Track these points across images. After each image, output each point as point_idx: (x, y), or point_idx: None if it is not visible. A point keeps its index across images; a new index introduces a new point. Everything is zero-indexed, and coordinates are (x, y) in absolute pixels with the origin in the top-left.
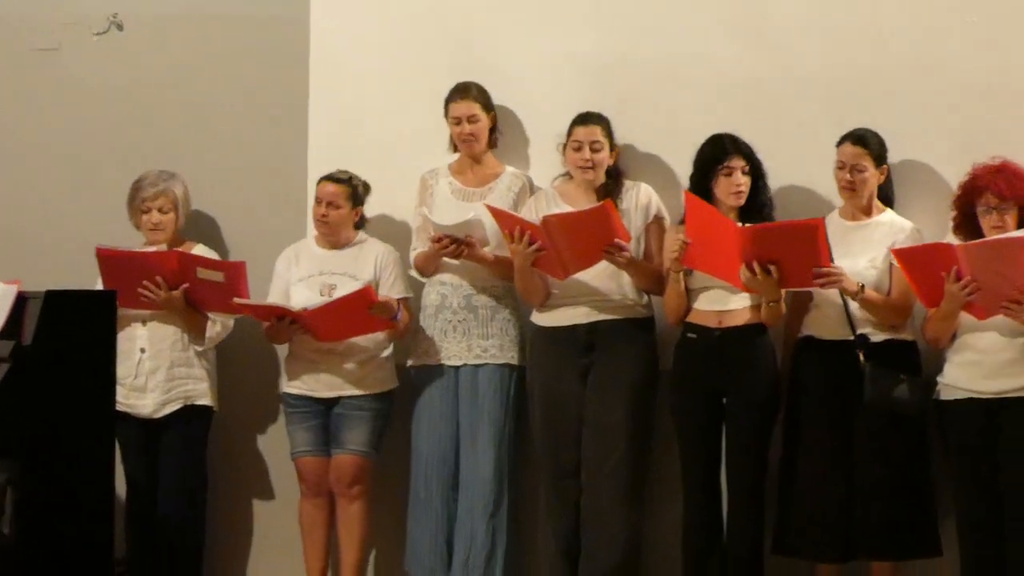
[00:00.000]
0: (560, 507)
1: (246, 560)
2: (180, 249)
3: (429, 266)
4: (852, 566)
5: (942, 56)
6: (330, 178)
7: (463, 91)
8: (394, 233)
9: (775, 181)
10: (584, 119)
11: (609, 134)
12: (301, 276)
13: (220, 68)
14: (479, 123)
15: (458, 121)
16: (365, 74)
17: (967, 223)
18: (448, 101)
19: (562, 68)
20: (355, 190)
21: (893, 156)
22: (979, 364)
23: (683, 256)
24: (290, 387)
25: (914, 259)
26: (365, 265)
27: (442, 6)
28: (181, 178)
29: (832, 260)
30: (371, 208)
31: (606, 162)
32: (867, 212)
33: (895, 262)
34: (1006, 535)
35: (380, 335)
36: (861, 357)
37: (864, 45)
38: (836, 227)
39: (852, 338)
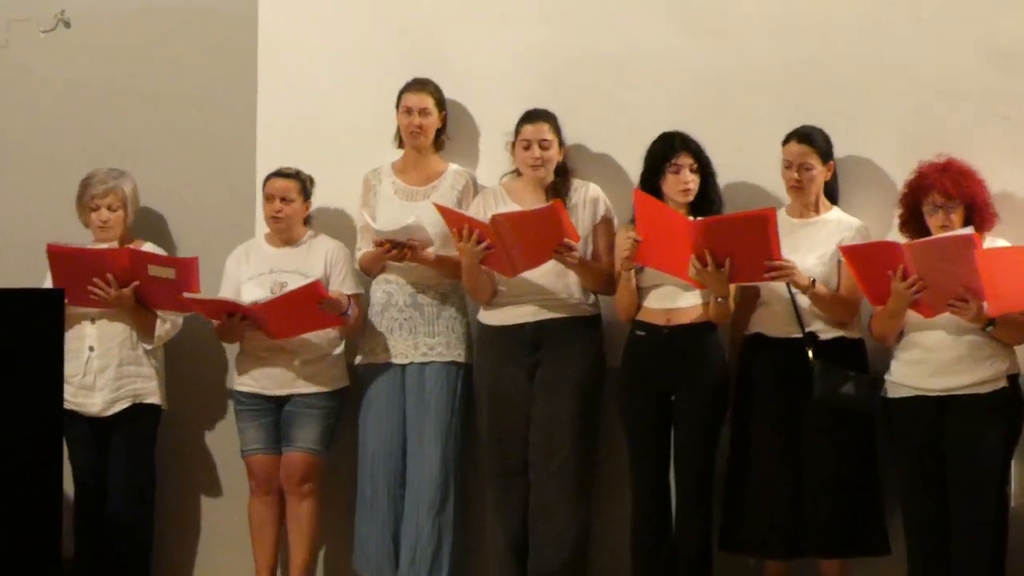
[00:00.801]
0: (507, 505)
1: (194, 558)
2: (130, 247)
3: (374, 267)
4: (800, 563)
5: (889, 53)
6: (279, 174)
7: (420, 84)
8: (344, 229)
9: (724, 178)
10: (532, 116)
11: (557, 131)
12: (251, 275)
13: (168, 65)
14: (430, 117)
15: (409, 111)
16: (314, 70)
17: (913, 221)
18: (402, 91)
19: (513, 64)
20: (304, 184)
21: (839, 152)
22: (926, 362)
23: (634, 254)
24: (241, 385)
25: (861, 256)
26: (315, 262)
27: (392, 1)
28: (130, 176)
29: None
30: (322, 204)
31: (555, 160)
32: (814, 209)
33: (843, 259)
34: (952, 532)
35: (332, 332)
36: (810, 354)
37: (813, 42)
38: (784, 225)
39: (801, 335)
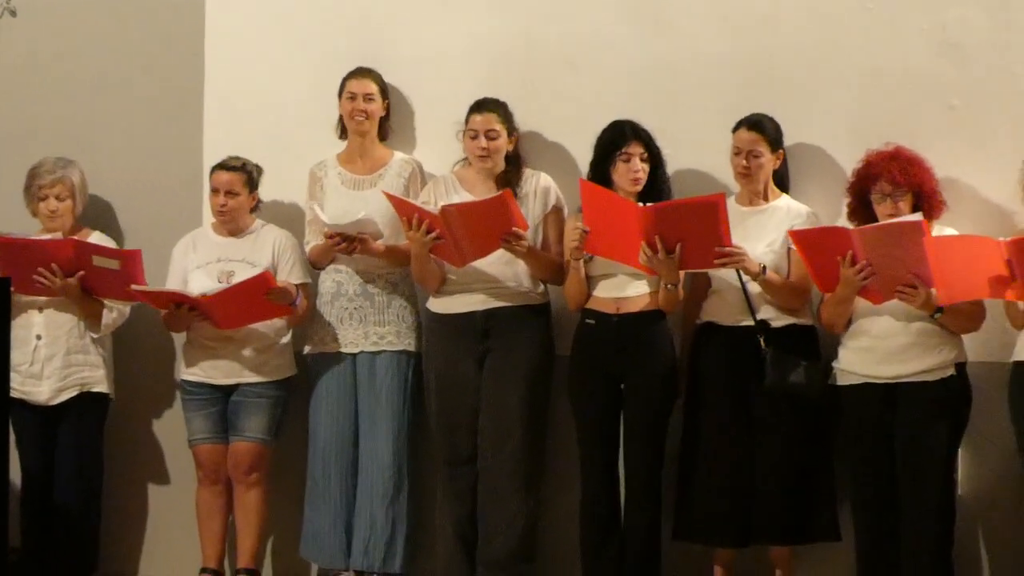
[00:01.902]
0: (456, 493)
1: (142, 547)
2: (77, 236)
3: (324, 259)
4: (750, 550)
5: (837, 42)
6: (223, 166)
7: (364, 71)
8: (292, 218)
9: (673, 166)
10: (480, 106)
11: (507, 120)
12: (199, 263)
13: (115, 53)
14: (374, 103)
15: (353, 97)
16: (261, 59)
17: (861, 209)
18: (345, 79)
19: (462, 53)
20: (250, 175)
21: (788, 140)
22: (873, 349)
23: (583, 244)
24: (188, 374)
25: (810, 242)
26: (263, 251)
27: None
28: (78, 165)
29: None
30: (269, 194)
31: (504, 149)
32: (763, 197)
33: (792, 245)
34: (900, 518)
35: (279, 321)
36: (762, 342)
37: (761, 30)
38: (733, 213)
39: (752, 323)
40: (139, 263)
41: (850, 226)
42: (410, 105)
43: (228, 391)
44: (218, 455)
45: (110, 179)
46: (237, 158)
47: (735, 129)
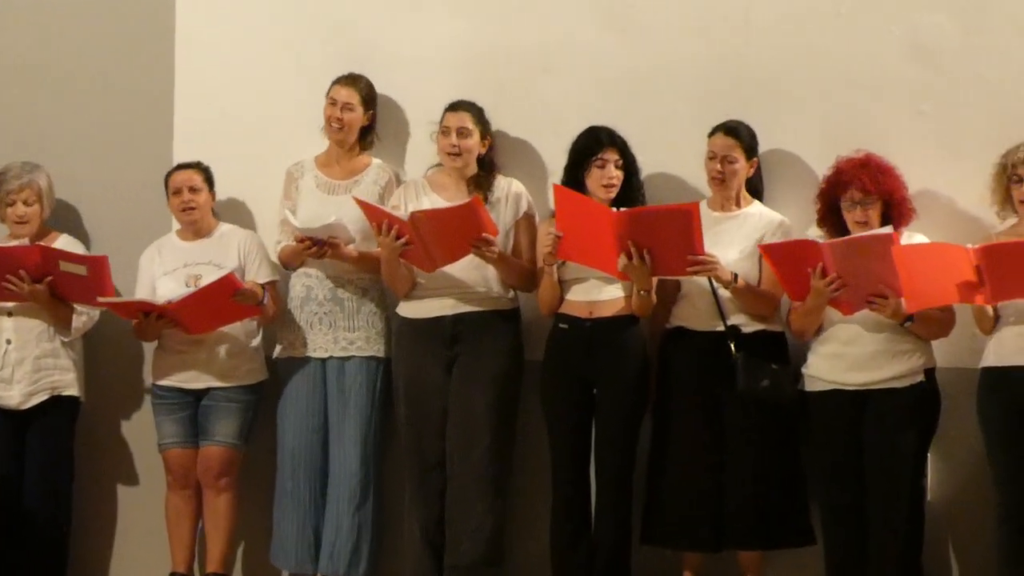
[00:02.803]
0: (425, 498)
1: (111, 551)
2: (45, 240)
3: (294, 261)
4: (720, 555)
5: (810, 47)
6: (181, 167)
7: (352, 79)
8: (264, 222)
9: (646, 171)
10: (454, 106)
11: (480, 121)
12: (166, 270)
13: (82, 55)
14: (352, 113)
15: (334, 103)
16: (233, 61)
17: (831, 216)
18: (333, 83)
19: (436, 57)
20: (207, 173)
21: (762, 146)
22: (843, 356)
23: (556, 249)
24: (159, 379)
25: (781, 254)
26: (228, 253)
27: None
28: (45, 169)
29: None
30: (239, 196)
31: (476, 149)
32: (736, 203)
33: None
34: (869, 524)
35: (250, 325)
36: (732, 348)
37: (734, 36)
38: (705, 218)
39: (723, 329)
40: (106, 268)
41: (820, 232)
42: (383, 110)
43: (199, 395)
44: (188, 460)
45: (76, 182)
46: (191, 160)
47: (711, 134)
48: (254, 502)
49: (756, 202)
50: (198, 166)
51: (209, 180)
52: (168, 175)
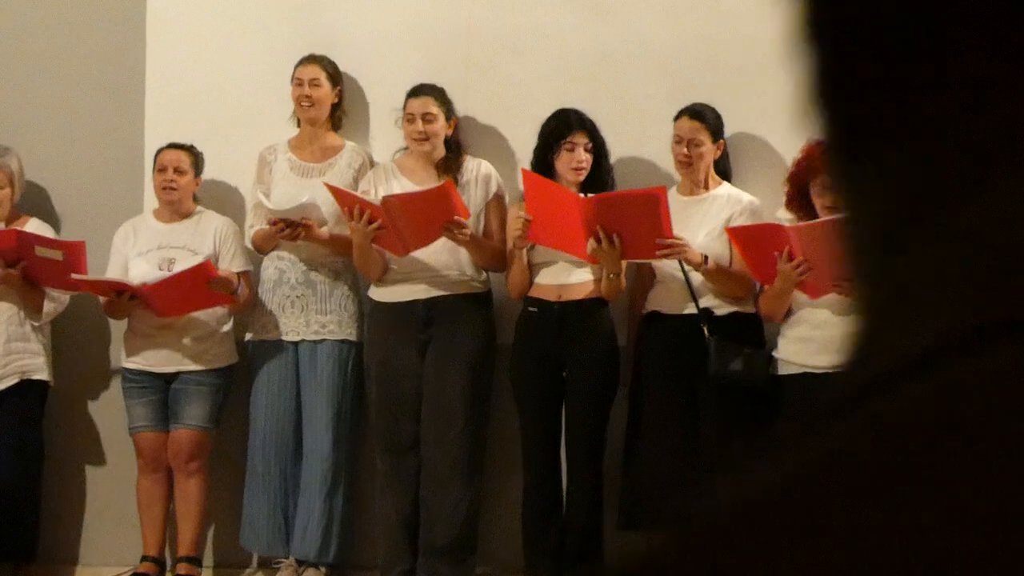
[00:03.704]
0: (398, 482)
1: (81, 535)
2: (16, 224)
3: (267, 245)
4: None
5: (778, 29)
6: (172, 145)
7: (314, 57)
8: (236, 204)
9: (616, 154)
10: (417, 91)
11: (444, 104)
12: (140, 251)
13: (52, 33)
14: (320, 89)
15: (300, 83)
16: (204, 43)
17: (800, 199)
18: (297, 65)
19: (402, 39)
20: (197, 158)
21: (730, 129)
22: (812, 339)
23: (526, 233)
24: (128, 362)
25: (747, 238)
26: (204, 238)
27: None
28: (15, 152)
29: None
30: (212, 179)
31: (442, 133)
32: (704, 186)
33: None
34: None
35: (221, 309)
36: (705, 331)
37: (703, 19)
38: (674, 202)
39: (696, 312)
40: (83, 254)
41: (788, 215)
42: (351, 93)
43: (169, 379)
44: (158, 443)
45: (47, 165)
46: (185, 142)
47: (676, 118)
48: (225, 486)
49: (725, 183)
50: (190, 149)
51: (196, 165)
52: (158, 151)
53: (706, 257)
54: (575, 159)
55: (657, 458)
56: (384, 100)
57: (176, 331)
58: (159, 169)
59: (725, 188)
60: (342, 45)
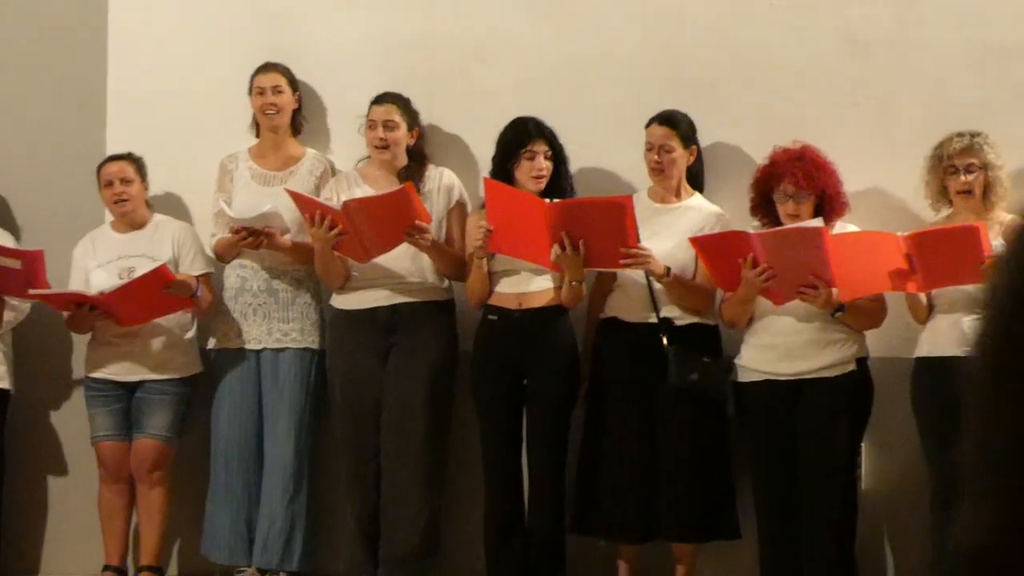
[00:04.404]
0: (360, 489)
1: (42, 544)
2: None
3: (229, 253)
4: (653, 546)
5: (745, 39)
6: (113, 157)
7: (271, 65)
8: (197, 213)
9: (580, 163)
10: (381, 99)
11: (407, 113)
12: (100, 262)
13: (14, 44)
14: (283, 95)
15: (262, 92)
16: (165, 53)
17: (764, 206)
18: (254, 75)
19: (367, 48)
20: (139, 163)
21: (702, 139)
22: (775, 347)
23: (487, 242)
24: (92, 371)
25: (711, 246)
26: (162, 245)
27: None
28: None
29: (639, 241)
30: (173, 189)
31: (403, 141)
32: (676, 195)
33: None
34: (802, 514)
35: (184, 317)
36: (664, 340)
37: (670, 28)
38: (644, 208)
39: (656, 320)
40: (41, 263)
41: (754, 222)
42: (315, 102)
43: (132, 388)
44: (121, 453)
45: (7, 173)
46: (122, 152)
47: (648, 124)
48: (188, 495)
49: (697, 194)
50: (130, 157)
51: (141, 171)
52: (100, 167)
53: (669, 269)
54: (535, 167)
55: (615, 465)
56: (348, 109)
57: (139, 340)
58: (106, 184)
59: (696, 200)
60: (306, 54)
